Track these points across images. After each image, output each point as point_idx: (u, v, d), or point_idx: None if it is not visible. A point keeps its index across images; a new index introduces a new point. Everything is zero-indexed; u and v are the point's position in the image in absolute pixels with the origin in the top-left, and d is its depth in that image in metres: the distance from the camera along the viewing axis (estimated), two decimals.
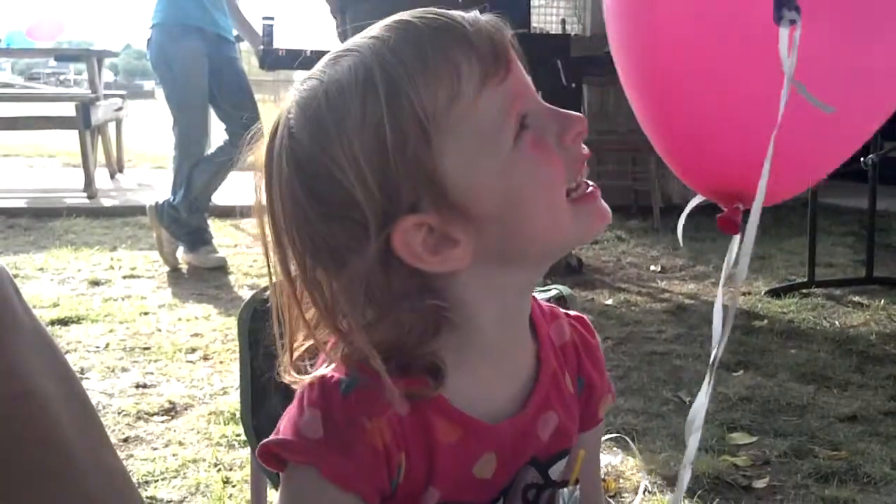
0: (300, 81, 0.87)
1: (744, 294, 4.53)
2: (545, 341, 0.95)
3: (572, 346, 0.99)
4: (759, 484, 2.44)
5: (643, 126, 1.79)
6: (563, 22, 7.05)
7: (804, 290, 4.52)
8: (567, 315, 1.02)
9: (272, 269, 0.89)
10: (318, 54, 4.53)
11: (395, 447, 0.84)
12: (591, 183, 0.88)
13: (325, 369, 0.86)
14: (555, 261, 0.93)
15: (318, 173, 0.82)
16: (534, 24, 6.50)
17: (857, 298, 4.41)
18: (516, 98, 0.84)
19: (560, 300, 1.16)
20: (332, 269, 0.85)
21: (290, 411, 0.86)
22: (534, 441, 0.92)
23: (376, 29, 0.84)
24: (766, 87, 1.41)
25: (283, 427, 0.85)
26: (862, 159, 4.42)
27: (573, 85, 5.02)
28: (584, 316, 1.04)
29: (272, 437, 0.85)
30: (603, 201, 0.88)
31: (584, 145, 0.87)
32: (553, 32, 6.78)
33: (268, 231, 0.88)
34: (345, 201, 0.81)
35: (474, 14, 0.85)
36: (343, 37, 3.77)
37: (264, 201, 0.87)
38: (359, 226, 0.81)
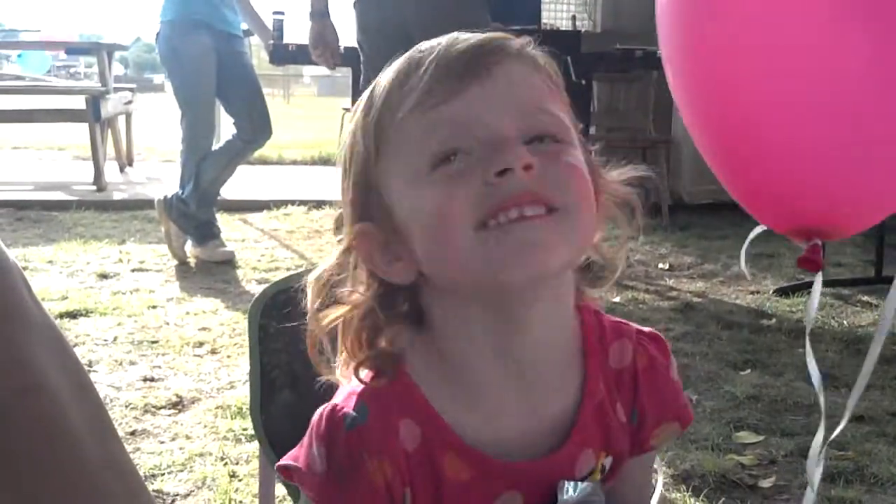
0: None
1: (752, 293, 4.53)
2: (593, 374, 0.90)
3: (631, 372, 0.93)
4: (766, 483, 2.43)
5: (707, 157, 1.56)
6: (574, 18, 7.05)
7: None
8: (640, 332, 0.96)
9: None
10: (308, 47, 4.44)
11: (399, 483, 0.84)
12: (515, 216, 0.79)
13: (341, 393, 0.88)
14: (512, 298, 0.84)
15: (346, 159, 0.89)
16: (544, 21, 6.50)
17: (865, 298, 4.40)
18: (456, 124, 0.81)
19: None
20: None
21: (304, 440, 0.88)
22: (569, 476, 0.88)
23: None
24: (848, 120, 1.31)
25: (299, 454, 0.87)
26: None
27: (583, 81, 5.02)
28: (657, 333, 0.98)
29: (289, 459, 0.87)
30: (533, 240, 0.79)
31: (525, 181, 0.79)
32: (563, 29, 6.77)
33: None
34: (345, 190, 0.89)
35: (468, 38, 0.85)
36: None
37: None
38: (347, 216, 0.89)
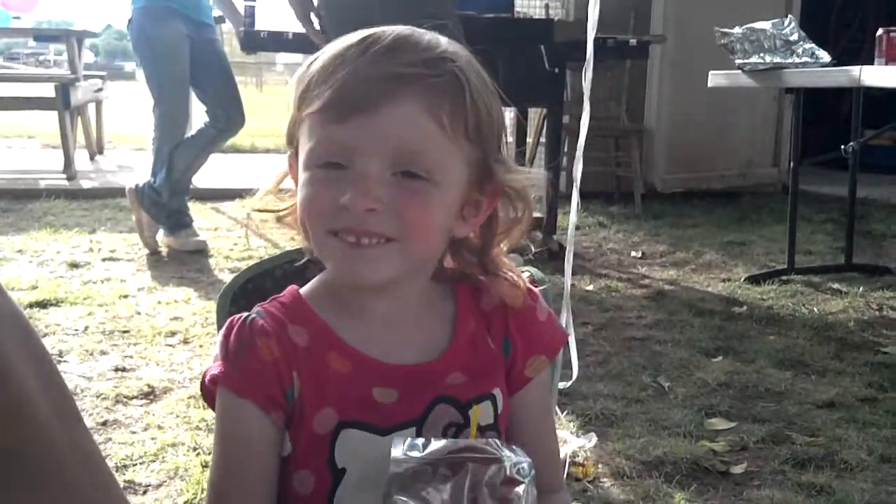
0: None
1: (723, 280, 4.56)
2: (463, 308, 1.06)
3: (501, 311, 1.07)
4: (737, 469, 2.45)
5: None
6: (547, 7, 7.04)
7: (784, 277, 4.54)
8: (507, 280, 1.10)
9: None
10: (300, 36, 4.52)
11: (286, 365, 0.98)
12: (352, 241, 0.96)
13: None
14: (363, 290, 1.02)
15: None
16: (517, 9, 6.49)
17: (836, 285, 4.44)
18: (339, 145, 0.96)
19: (531, 283, 1.16)
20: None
21: None
22: (441, 388, 1.02)
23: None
24: None
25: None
26: (843, 147, 4.44)
27: (556, 70, 5.02)
28: (528, 269, 1.16)
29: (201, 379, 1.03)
30: (362, 263, 0.97)
31: (364, 217, 0.95)
32: (536, 17, 6.77)
33: None
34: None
35: (392, 59, 0.95)
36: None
37: None
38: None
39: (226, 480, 1.00)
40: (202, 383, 1.02)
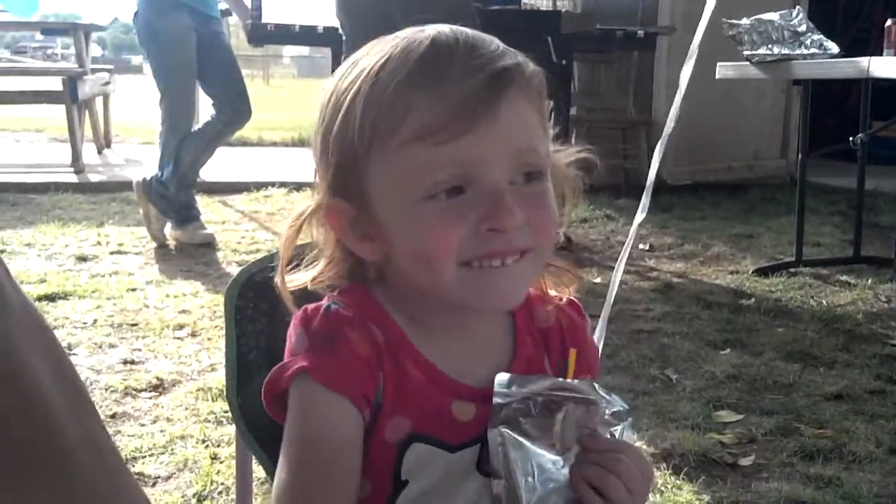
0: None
1: (731, 273, 4.55)
2: (520, 328, 1.01)
3: (557, 329, 1.04)
4: (745, 462, 2.45)
5: None
6: None
7: (792, 269, 4.53)
8: (558, 298, 1.05)
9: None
10: (307, 29, 4.54)
11: (375, 362, 0.92)
12: (497, 265, 0.90)
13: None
14: (474, 310, 0.96)
15: (327, 126, 0.93)
16: (525, 1, 6.48)
17: (844, 278, 4.43)
18: (455, 165, 0.86)
19: None
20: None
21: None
22: None
23: (411, 30, 0.91)
24: None
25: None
26: (851, 139, 4.42)
27: (563, 62, 5.01)
28: (576, 300, 1.07)
29: (267, 379, 0.93)
30: (507, 284, 0.91)
31: (511, 237, 0.88)
32: (544, 9, 6.75)
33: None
34: (322, 153, 0.94)
35: (484, 59, 0.87)
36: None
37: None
38: (322, 181, 0.94)
39: (310, 487, 0.90)
40: (265, 393, 0.93)
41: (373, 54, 0.90)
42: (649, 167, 3.10)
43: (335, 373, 0.89)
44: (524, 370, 0.97)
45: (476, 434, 0.93)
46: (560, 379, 0.94)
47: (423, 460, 0.93)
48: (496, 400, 0.91)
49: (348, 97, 0.89)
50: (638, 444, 2.51)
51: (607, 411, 0.93)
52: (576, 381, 0.94)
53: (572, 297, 1.07)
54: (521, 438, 0.90)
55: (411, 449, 0.92)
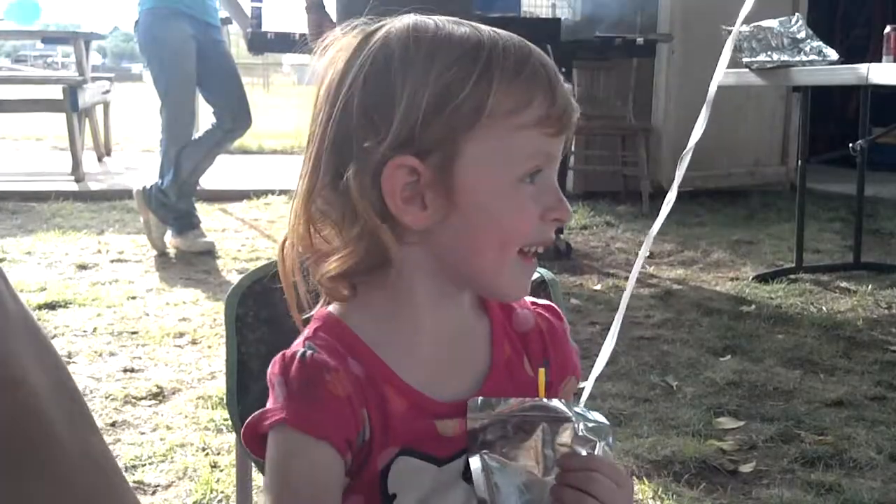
0: (415, 17, 0.95)
1: (731, 279, 4.55)
2: (497, 330, 1.01)
3: (537, 333, 1.04)
4: (746, 468, 2.45)
5: None
6: (553, 6, 7.04)
7: (792, 276, 4.53)
8: (534, 304, 1.07)
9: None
10: (307, 38, 4.50)
11: (358, 399, 0.91)
12: (540, 252, 0.96)
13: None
14: (485, 296, 1.01)
15: (383, 77, 0.90)
16: (524, 9, 6.49)
17: (844, 284, 4.43)
18: (546, 157, 0.93)
19: (542, 284, 1.16)
20: (331, 162, 0.93)
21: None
22: None
23: (489, 27, 0.95)
24: None
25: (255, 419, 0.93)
26: (851, 145, 4.43)
27: (563, 69, 5.00)
28: (552, 304, 1.09)
29: (245, 424, 0.93)
30: (532, 274, 0.98)
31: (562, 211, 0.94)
32: (543, 17, 6.76)
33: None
34: (384, 110, 0.89)
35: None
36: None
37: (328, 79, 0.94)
38: (378, 135, 0.89)
39: None
40: (245, 433, 0.93)
41: (460, 32, 0.93)
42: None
43: (316, 419, 0.89)
44: (503, 377, 0.98)
45: (463, 446, 0.94)
46: (533, 399, 0.94)
47: (410, 473, 0.93)
48: (470, 425, 0.91)
49: (463, 61, 0.90)
50: (638, 451, 2.51)
51: (582, 428, 0.92)
52: (550, 399, 0.94)
53: (549, 303, 1.09)
54: (501, 462, 0.90)
55: (396, 462, 0.93)
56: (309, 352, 0.91)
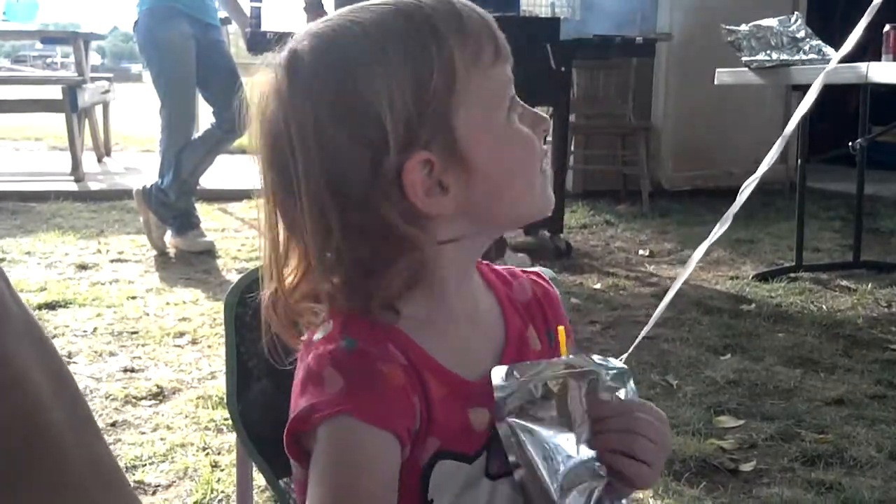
0: (311, 26, 0.95)
1: (731, 278, 4.55)
2: (505, 303, 1.02)
3: (536, 301, 1.05)
4: (746, 467, 2.45)
5: None
6: (553, 5, 7.03)
7: (792, 275, 4.53)
8: (524, 272, 1.08)
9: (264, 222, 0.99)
10: None
11: (410, 387, 0.89)
12: (547, 167, 0.98)
13: (315, 346, 0.91)
14: (515, 229, 1.04)
15: (348, 98, 0.88)
16: (523, 8, 6.48)
17: (844, 283, 4.43)
18: (510, 82, 0.94)
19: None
20: (338, 202, 0.88)
21: (299, 392, 0.89)
22: None
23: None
24: None
25: (300, 404, 0.87)
26: (850, 144, 4.43)
27: (562, 69, 5.01)
28: (539, 269, 1.11)
29: (291, 418, 0.88)
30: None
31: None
32: (542, 16, 6.76)
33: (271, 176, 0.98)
34: (372, 125, 0.87)
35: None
36: None
37: (280, 128, 0.93)
38: (379, 150, 0.87)
39: None
40: (289, 429, 0.88)
41: (370, 11, 0.91)
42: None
43: (379, 408, 0.86)
44: (517, 346, 1.00)
45: (486, 441, 0.94)
46: (554, 359, 0.95)
47: (446, 477, 0.92)
48: (497, 394, 0.91)
49: (412, 40, 0.88)
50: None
51: (607, 377, 0.93)
52: (570, 356, 0.95)
53: (535, 269, 1.10)
54: (530, 425, 0.90)
55: (438, 466, 0.92)
56: (352, 345, 0.88)
